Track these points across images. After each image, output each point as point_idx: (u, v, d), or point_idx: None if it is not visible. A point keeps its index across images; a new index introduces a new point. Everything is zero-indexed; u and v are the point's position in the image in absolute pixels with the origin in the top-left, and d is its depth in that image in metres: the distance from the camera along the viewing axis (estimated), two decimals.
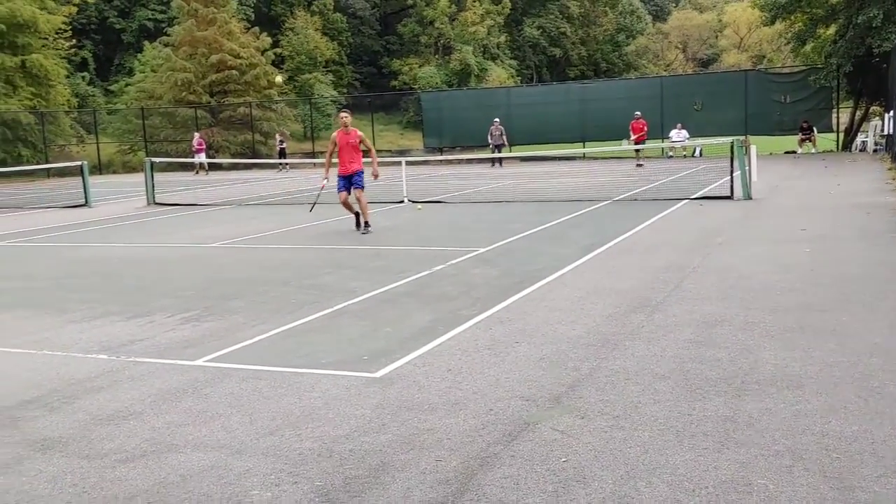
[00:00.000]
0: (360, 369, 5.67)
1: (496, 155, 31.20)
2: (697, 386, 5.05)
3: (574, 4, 70.66)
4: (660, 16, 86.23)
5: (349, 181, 13.20)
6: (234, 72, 42.58)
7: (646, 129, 28.20)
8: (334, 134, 13.50)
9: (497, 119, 32.47)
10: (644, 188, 19.05)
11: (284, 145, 37.08)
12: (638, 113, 28.34)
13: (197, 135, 35.81)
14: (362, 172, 13.31)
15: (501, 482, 3.84)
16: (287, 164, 34.13)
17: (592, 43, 73.54)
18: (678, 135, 31.46)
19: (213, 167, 36.43)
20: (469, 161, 34.58)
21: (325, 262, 10.40)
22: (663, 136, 32.40)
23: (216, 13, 43.05)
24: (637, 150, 28.34)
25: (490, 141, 32.18)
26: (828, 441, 4.13)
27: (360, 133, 13.43)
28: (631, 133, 28.36)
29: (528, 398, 4.97)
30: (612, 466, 3.96)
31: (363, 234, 13.02)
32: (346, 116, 13.51)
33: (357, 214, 13.36)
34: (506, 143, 32.37)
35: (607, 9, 74.49)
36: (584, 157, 33.79)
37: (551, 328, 6.58)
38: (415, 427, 4.58)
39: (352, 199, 13.31)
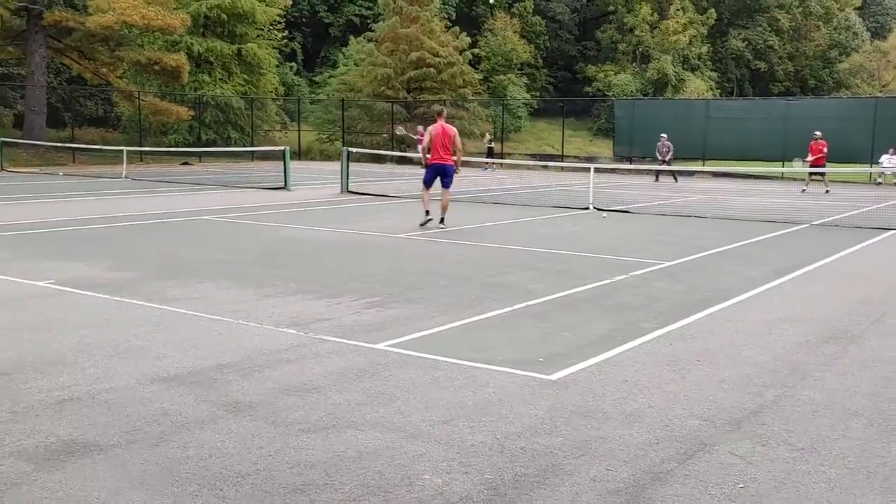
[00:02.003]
0: (535, 370, 5.68)
1: (663, 168, 30.06)
2: (894, 427, 4.72)
3: (784, 17, 67.42)
4: (879, 33, 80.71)
5: None
6: (431, 69, 43.56)
7: (825, 150, 25.93)
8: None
9: (664, 135, 31.37)
10: (846, 214, 17.97)
11: (492, 145, 37.68)
12: (818, 133, 26.20)
13: (421, 128, 36.52)
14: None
15: (673, 499, 3.75)
16: (494, 163, 34.61)
17: (801, 58, 69.89)
18: (890, 161, 29.40)
19: (405, 161, 37.41)
20: (658, 172, 33.75)
21: (506, 262, 10.48)
22: (873, 161, 30.37)
23: (420, 11, 44.20)
24: (812, 174, 26.34)
25: (658, 156, 31.21)
26: None
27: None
28: (809, 154, 26.37)
29: (707, 419, 4.82)
30: (794, 500, 3.77)
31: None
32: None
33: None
34: (669, 158, 30.98)
35: (821, 23, 70.56)
36: (782, 176, 32.26)
37: (736, 350, 6.35)
38: (587, 433, 4.55)
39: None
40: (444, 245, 12.10)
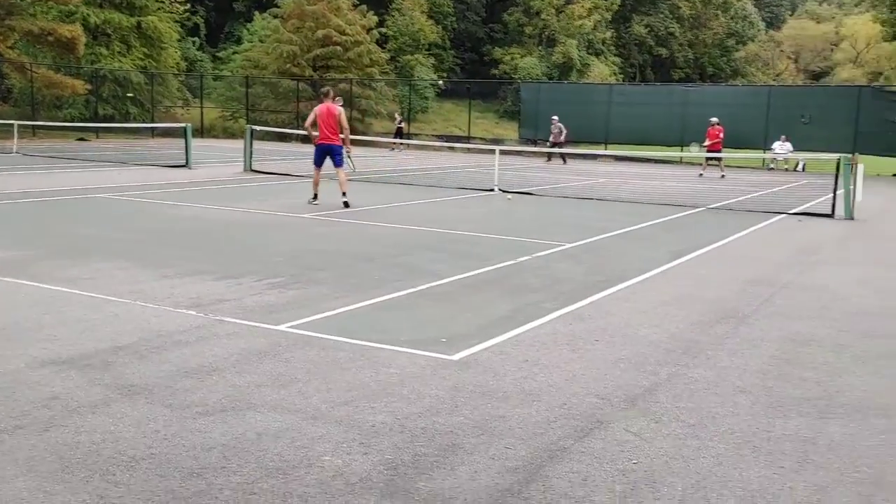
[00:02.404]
0: (437, 351, 5.71)
1: (554, 150, 30.58)
2: (779, 403, 4.93)
3: (685, 5, 69.24)
4: (774, 23, 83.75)
5: None
6: (338, 48, 43.04)
7: (721, 136, 26.74)
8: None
9: (555, 117, 32.00)
10: (741, 198, 18.62)
11: (402, 125, 37.50)
12: (714, 119, 27.07)
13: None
14: None
15: (569, 476, 3.83)
16: (403, 143, 34.49)
17: (700, 46, 71.94)
18: (781, 147, 30.58)
19: (309, 140, 36.99)
20: (550, 154, 34.28)
21: (412, 243, 10.49)
22: (766, 146, 31.54)
23: None
24: (709, 159, 27.16)
25: (550, 138, 31.82)
26: None
27: None
28: (706, 139, 27.19)
29: (604, 397, 4.94)
30: (684, 474, 3.91)
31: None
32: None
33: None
34: (563, 140, 31.61)
35: (719, 12, 72.72)
36: (681, 160, 33.18)
37: (633, 330, 6.51)
38: (487, 413, 4.60)
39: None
40: (348, 225, 12.03)
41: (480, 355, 5.66)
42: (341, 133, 14.15)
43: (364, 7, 46.70)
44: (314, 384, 4.96)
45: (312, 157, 14.57)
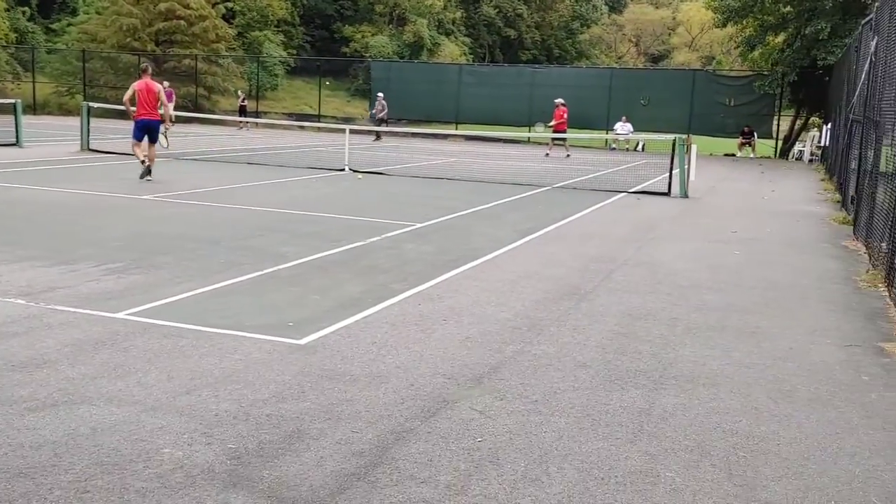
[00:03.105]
0: (284, 335, 5.62)
1: (376, 128, 30.83)
2: (617, 376, 5.14)
3: None
4: (616, 7, 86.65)
5: None
6: (182, 22, 41.51)
7: (566, 116, 27.24)
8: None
9: (381, 94, 32.40)
10: (584, 178, 19.23)
11: (245, 103, 36.46)
12: (559, 100, 27.59)
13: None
14: None
15: (415, 457, 3.86)
16: (248, 122, 33.61)
17: (547, 28, 73.66)
18: (623, 127, 31.75)
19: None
20: (414, 135, 34.42)
21: (259, 225, 10.28)
22: (608, 127, 32.67)
23: None
24: (555, 139, 27.73)
25: (374, 113, 32.18)
26: (736, 440, 4.25)
27: None
28: (552, 119, 27.79)
29: (450, 376, 5.00)
30: (526, 449, 4.01)
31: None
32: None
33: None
34: (386, 118, 31.99)
35: None
36: (528, 140, 33.92)
37: (480, 309, 6.62)
38: (334, 397, 4.57)
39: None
40: (192, 207, 11.66)
41: (328, 339, 5.61)
42: (160, 109, 14.61)
43: None
44: (154, 374, 4.79)
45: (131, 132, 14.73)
